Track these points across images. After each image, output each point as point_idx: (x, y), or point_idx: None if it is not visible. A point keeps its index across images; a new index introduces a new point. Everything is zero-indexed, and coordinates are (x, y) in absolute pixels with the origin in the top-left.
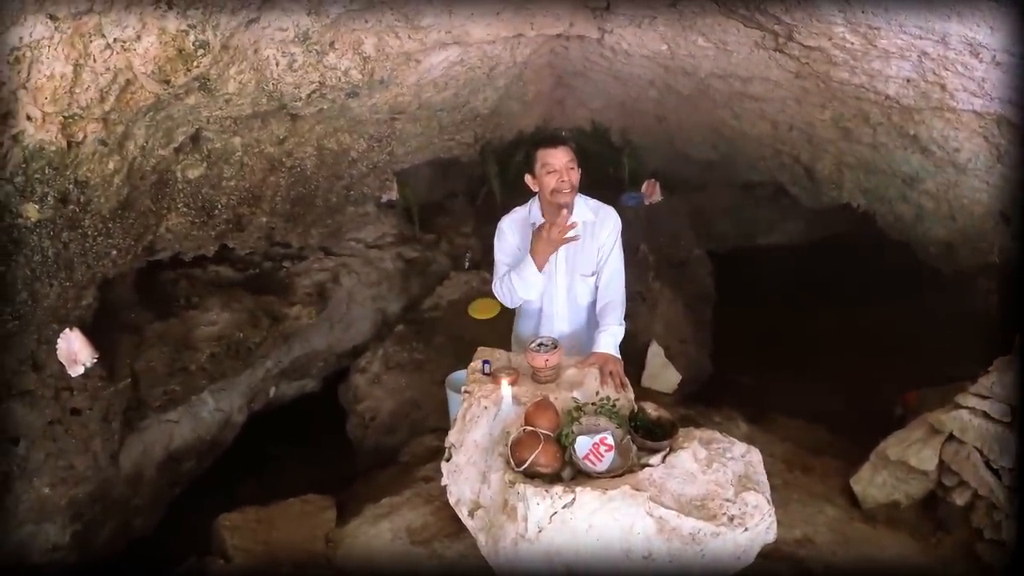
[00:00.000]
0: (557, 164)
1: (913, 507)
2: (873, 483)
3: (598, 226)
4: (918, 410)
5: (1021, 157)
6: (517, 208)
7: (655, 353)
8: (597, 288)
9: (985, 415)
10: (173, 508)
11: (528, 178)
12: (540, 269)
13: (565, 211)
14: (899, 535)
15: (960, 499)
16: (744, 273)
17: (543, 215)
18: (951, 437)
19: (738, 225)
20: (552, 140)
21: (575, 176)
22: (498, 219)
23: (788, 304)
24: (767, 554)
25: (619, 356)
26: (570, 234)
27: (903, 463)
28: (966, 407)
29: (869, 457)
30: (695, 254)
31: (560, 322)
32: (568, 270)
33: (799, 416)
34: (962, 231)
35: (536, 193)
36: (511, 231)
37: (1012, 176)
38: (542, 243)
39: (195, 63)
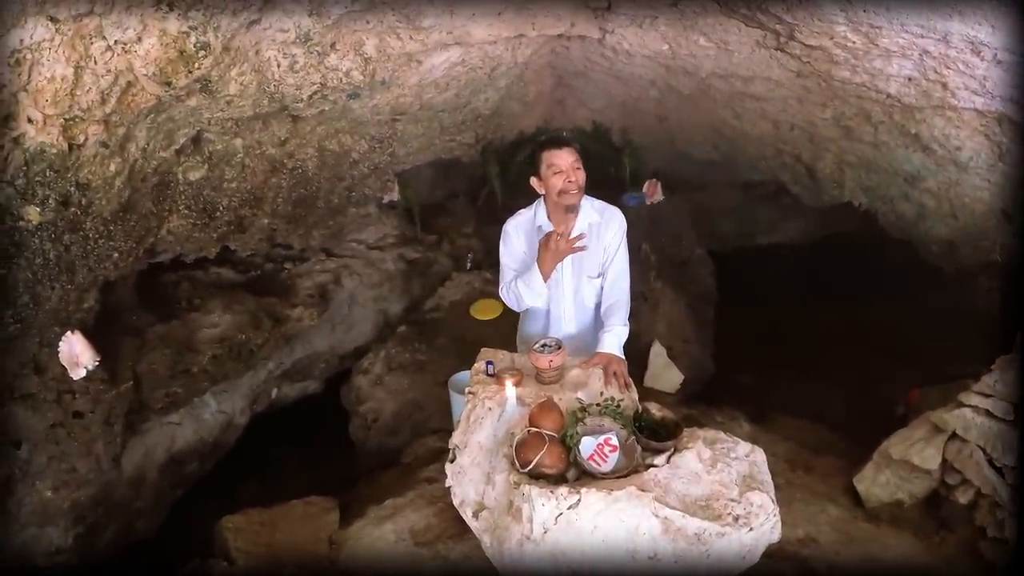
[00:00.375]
0: (563, 165)
1: (916, 506)
2: (876, 482)
3: (603, 227)
4: (920, 409)
5: (1022, 155)
6: (522, 211)
7: (657, 353)
8: (603, 288)
9: (988, 413)
10: (175, 510)
11: (534, 181)
12: (546, 280)
13: (572, 217)
14: (902, 534)
15: (963, 497)
16: (746, 273)
17: (549, 218)
18: (954, 435)
19: (739, 224)
20: (556, 141)
21: (581, 176)
22: (500, 220)
23: (790, 303)
24: (770, 554)
25: (623, 356)
26: (577, 244)
27: (906, 462)
28: (969, 405)
29: (872, 456)
30: (697, 254)
31: (567, 324)
32: (575, 272)
33: (801, 415)
34: (963, 229)
35: (541, 196)
36: (517, 235)
37: (1013, 174)
38: (549, 254)
39: (196, 65)
